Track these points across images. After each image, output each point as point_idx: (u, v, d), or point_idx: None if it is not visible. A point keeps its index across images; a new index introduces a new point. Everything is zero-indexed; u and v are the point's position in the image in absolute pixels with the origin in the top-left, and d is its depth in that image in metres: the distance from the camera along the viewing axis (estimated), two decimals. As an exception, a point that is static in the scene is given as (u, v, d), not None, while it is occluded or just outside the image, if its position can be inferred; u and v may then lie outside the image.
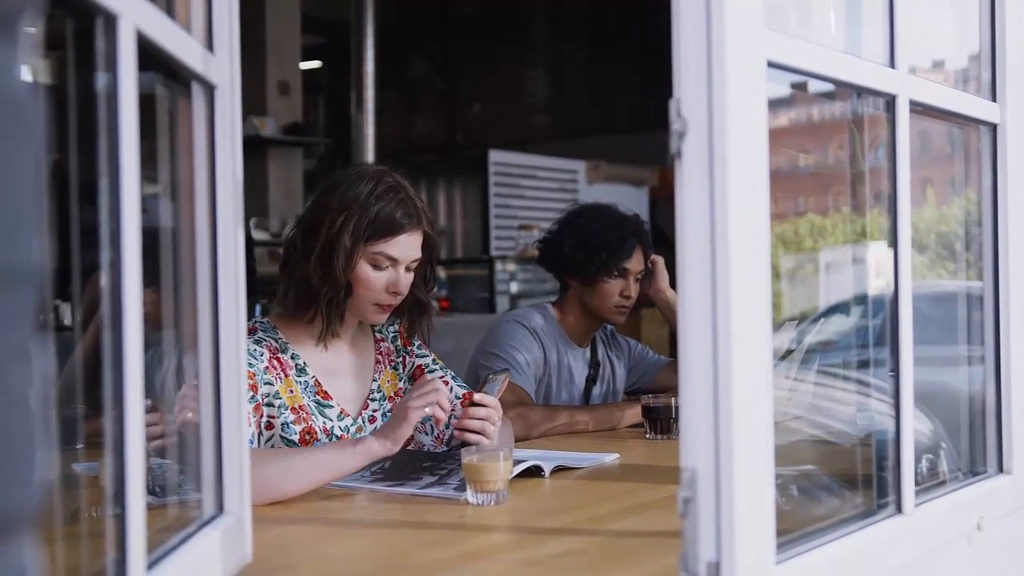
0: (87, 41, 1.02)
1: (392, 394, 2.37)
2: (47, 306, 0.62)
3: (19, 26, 0.57)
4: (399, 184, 2.25)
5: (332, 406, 2.24)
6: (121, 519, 1.01)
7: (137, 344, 1.03)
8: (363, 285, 2.20)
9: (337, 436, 2.23)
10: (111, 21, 1.01)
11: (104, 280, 1.02)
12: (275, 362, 2.19)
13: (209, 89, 1.35)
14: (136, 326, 1.02)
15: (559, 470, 2.18)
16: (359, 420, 2.29)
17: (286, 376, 2.20)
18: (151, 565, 1.09)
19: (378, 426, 2.27)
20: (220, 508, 1.37)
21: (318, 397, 2.23)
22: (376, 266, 2.20)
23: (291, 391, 2.19)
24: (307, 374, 2.24)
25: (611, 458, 2.35)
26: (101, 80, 1.03)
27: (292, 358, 2.23)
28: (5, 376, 0.54)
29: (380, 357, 2.39)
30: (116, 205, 1.01)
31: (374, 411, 2.33)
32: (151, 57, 1.12)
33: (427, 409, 1.98)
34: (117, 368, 1.01)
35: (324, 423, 2.22)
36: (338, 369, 2.30)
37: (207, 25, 1.36)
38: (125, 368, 1.01)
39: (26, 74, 0.58)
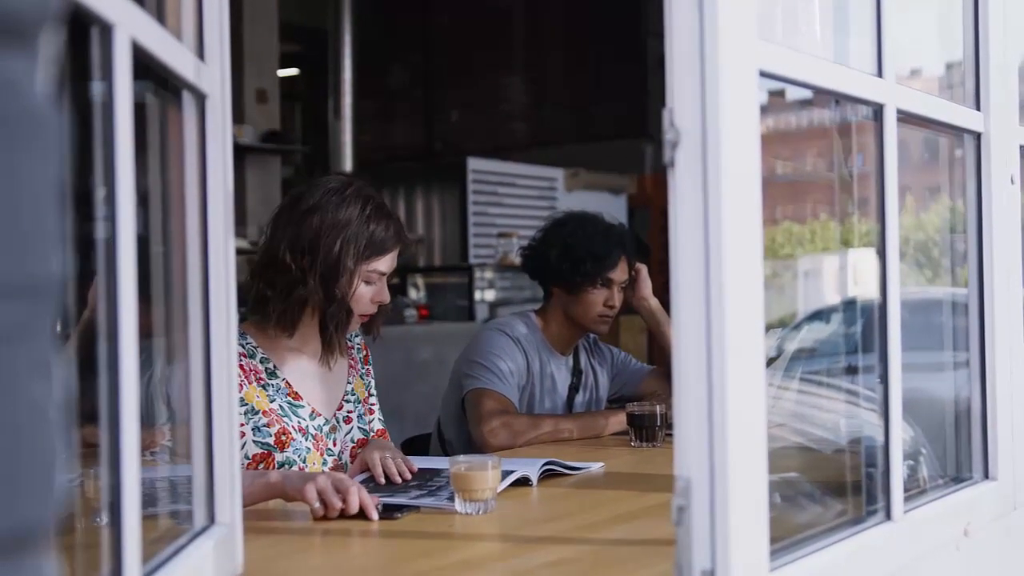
0: (81, 49, 1.02)
1: (363, 399, 2.46)
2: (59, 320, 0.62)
3: (38, 39, 0.57)
4: (382, 201, 2.34)
5: (303, 406, 2.29)
6: (116, 530, 1.01)
7: (132, 354, 1.02)
8: (355, 301, 2.28)
9: (312, 435, 2.29)
10: (107, 31, 1.00)
11: (99, 290, 1.01)
12: (238, 368, 2.21)
13: (200, 98, 1.35)
14: (131, 335, 1.02)
15: (548, 476, 2.19)
16: (333, 420, 2.36)
17: (250, 383, 2.24)
18: (146, 577, 1.09)
19: (354, 426, 2.39)
20: (211, 519, 1.36)
21: (289, 398, 2.28)
22: (368, 282, 2.29)
23: (257, 396, 2.24)
24: (278, 377, 2.29)
25: (597, 466, 2.36)
26: (96, 88, 1.02)
27: (261, 362, 2.28)
28: (28, 390, 0.54)
29: (352, 362, 2.47)
30: (112, 214, 1.01)
31: (349, 412, 2.40)
32: (143, 65, 1.12)
33: (316, 505, 1.84)
34: (113, 379, 1.00)
35: (298, 422, 2.27)
36: (311, 372, 2.35)
37: (198, 34, 1.36)
38: (120, 379, 1.00)
39: (45, 85, 0.58)
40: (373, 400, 2.52)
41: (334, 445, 2.34)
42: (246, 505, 1.94)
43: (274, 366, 2.29)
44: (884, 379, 1.54)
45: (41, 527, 0.55)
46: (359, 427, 2.40)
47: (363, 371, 2.50)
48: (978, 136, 1.84)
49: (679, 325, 1.18)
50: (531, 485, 2.12)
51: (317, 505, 1.84)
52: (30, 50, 0.56)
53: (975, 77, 1.84)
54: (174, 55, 1.21)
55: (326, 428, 2.33)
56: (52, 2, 0.59)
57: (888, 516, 1.53)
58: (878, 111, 1.53)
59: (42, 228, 0.56)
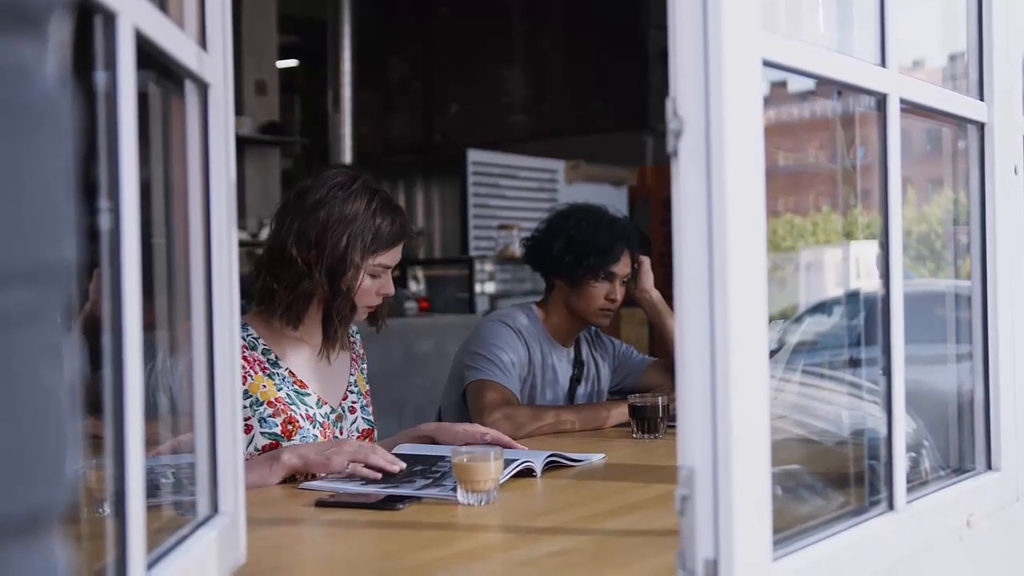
0: (84, 38, 1.01)
1: (364, 391, 2.49)
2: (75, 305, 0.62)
3: (48, 25, 0.57)
4: (387, 195, 2.35)
5: (310, 394, 2.32)
6: (121, 520, 1.01)
7: (136, 345, 1.02)
8: (361, 294, 2.30)
9: (319, 423, 2.31)
10: (110, 19, 1.00)
11: (104, 281, 1.01)
12: (242, 361, 2.23)
13: (203, 88, 1.34)
14: (135, 327, 1.02)
15: (551, 467, 2.19)
16: (339, 409, 2.38)
17: (256, 373, 2.25)
18: (150, 565, 1.08)
19: (358, 416, 2.42)
20: (215, 508, 1.36)
21: (295, 387, 2.30)
22: (373, 275, 2.31)
23: (264, 386, 2.26)
24: (281, 367, 2.30)
25: (598, 458, 2.36)
26: (99, 77, 1.02)
27: (263, 353, 2.30)
28: (38, 374, 0.54)
29: (354, 356, 2.49)
30: (116, 205, 1.00)
31: (352, 403, 2.43)
32: (145, 54, 1.12)
33: (349, 468, 2.06)
34: (117, 369, 1.00)
35: (306, 410, 2.29)
36: (314, 363, 2.37)
37: (200, 23, 1.35)
38: (125, 369, 1.00)
39: (55, 72, 0.58)
40: (366, 401, 2.54)
41: (340, 433, 2.35)
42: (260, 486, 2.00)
43: (276, 357, 2.30)
44: (887, 370, 1.54)
45: (52, 511, 0.56)
46: (363, 417, 2.43)
47: (363, 367, 2.53)
48: (981, 126, 1.83)
49: (682, 314, 1.18)
50: (535, 476, 2.12)
51: (349, 470, 2.04)
52: (40, 36, 0.56)
53: (979, 67, 1.84)
54: (177, 44, 1.21)
55: (332, 417, 2.35)
56: None
57: (891, 506, 1.53)
58: (881, 101, 1.53)
59: (54, 214, 0.56)
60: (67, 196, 0.58)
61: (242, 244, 6.80)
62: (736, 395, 1.17)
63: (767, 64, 1.26)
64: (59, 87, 0.58)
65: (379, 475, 2.04)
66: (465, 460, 1.87)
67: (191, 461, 1.36)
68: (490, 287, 7.57)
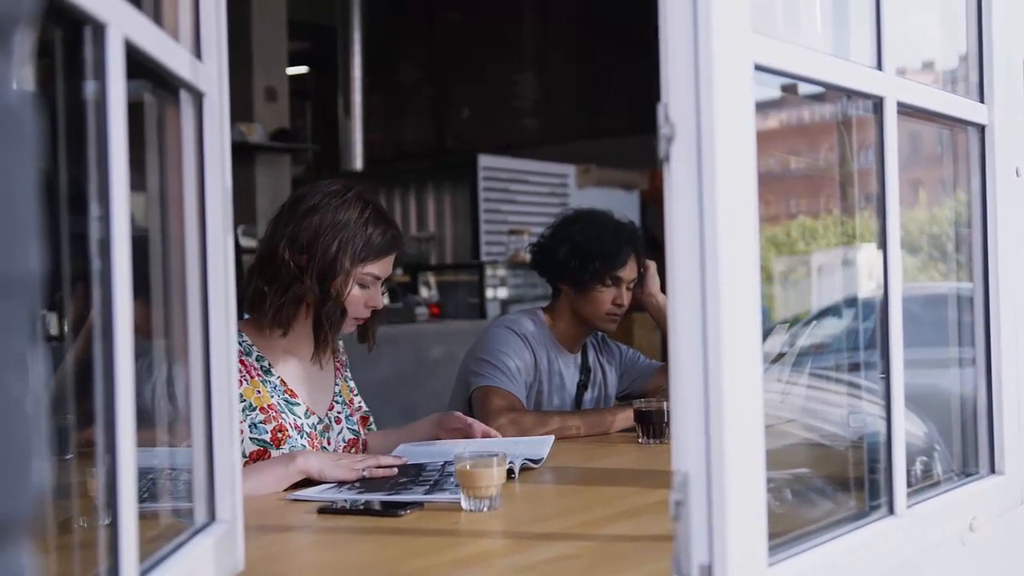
0: (75, 49, 1.02)
1: (348, 402, 2.50)
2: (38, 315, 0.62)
3: (13, 35, 0.57)
4: (381, 207, 2.39)
5: (299, 404, 2.34)
6: (114, 528, 1.01)
7: (127, 353, 1.02)
8: (349, 303, 2.33)
9: (307, 433, 2.33)
10: (100, 30, 1.00)
11: (94, 290, 1.01)
12: (239, 365, 2.25)
13: (198, 97, 1.35)
14: (126, 335, 1.02)
15: (524, 470, 2.22)
16: (326, 419, 2.41)
17: (252, 378, 2.28)
18: (144, 573, 1.09)
19: (344, 427, 2.44)
20: (212, 516, 1.37)
21: (286, 396, 2.33)
22: (362, 285, 2.33)
23: (258, 392, 2.28)
24: (273, 375, 2.32)
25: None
26: (89, 88, 1.03)
27: (257, 360, 2.32)
28: (4, 383, 0.54)
29: (339, 365, 2.51)
30: (106, 214, 1.01)
31: (338, 413, 2.46)
32: (138, 65, 1.12)
33: (365, 472, 2.14)
34: (108, 378, 1.01)
35: (294, 420, 2.31)
36: (302, 373, 2.39)
37: (195, 33, 1.36)
38: (116, 377, 1.01)
39: (21, 83, 0.58)
40: (359, 399, 2.56)
41: (328, 444, 2.37)
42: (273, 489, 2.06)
43: (269, 364, 2.32)
44: (886, 373, 1.54)
45: (17, 519, 0.56)
46: (348, 428, 2.46)
47: (346, 375, 2.56)
48: (982, 128, 1.83)
49: (675, 319, 1.18)
50: (514, 478, 2.13)
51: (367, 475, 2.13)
52: (4, 47, 0.56)
53: (979, 69, 1.83)
54: (169, 54, 1.22)
55: (320, 427, 2.38)
56: (27, 2, 0.59)
57: (891, 511, 1.52)
58: (878, 104, 1.53)
59: (18, 224, 0.57)
60: (32, 207, 0.58)
61: (252, 251, 6.80)
62: (729, 399, 1.17)
63: (759, 68, 1.26)
64: (24, 99, 0.59)
65: (395, 470, 2.15)
66: (468, 467, 1.87)
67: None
68: (501, 292, 7.56)
